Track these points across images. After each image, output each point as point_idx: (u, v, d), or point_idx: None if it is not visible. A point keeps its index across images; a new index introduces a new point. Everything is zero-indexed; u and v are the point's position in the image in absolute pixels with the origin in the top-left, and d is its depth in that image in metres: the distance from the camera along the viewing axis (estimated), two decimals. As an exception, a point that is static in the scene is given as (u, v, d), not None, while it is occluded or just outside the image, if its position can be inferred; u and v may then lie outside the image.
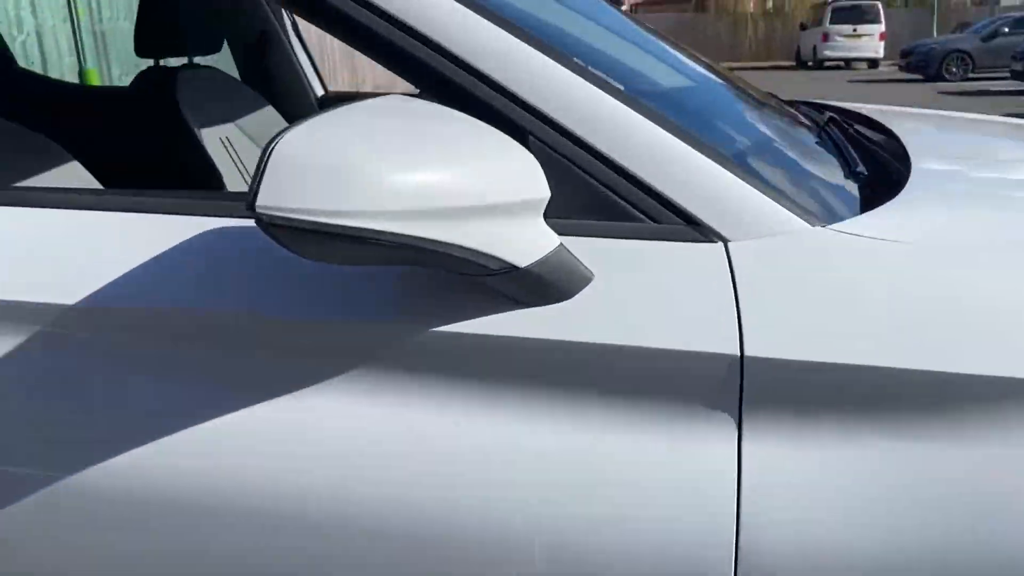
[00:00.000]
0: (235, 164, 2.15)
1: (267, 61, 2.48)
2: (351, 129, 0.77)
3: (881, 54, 20.31)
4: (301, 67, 2.52)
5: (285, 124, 2.34)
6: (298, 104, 2.52)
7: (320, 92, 2.60)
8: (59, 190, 1.11)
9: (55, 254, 0.94)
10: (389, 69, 0.93)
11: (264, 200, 0.72)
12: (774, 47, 24.00)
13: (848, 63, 20.75)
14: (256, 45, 2.46)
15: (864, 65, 20.71)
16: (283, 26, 2.48)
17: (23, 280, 0.93)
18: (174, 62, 2.15)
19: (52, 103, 2.53)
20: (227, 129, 2.16)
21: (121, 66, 8.03)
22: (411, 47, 0.89)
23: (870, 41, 20.19)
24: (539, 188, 0.84)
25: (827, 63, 20.69)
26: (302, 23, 2.59)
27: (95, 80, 7.55)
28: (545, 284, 0.84)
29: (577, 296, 0.84)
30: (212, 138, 2.08)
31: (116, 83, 8.11)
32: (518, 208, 0.82)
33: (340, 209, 0.72)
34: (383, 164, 0.74)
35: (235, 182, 2.06)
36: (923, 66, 16.26)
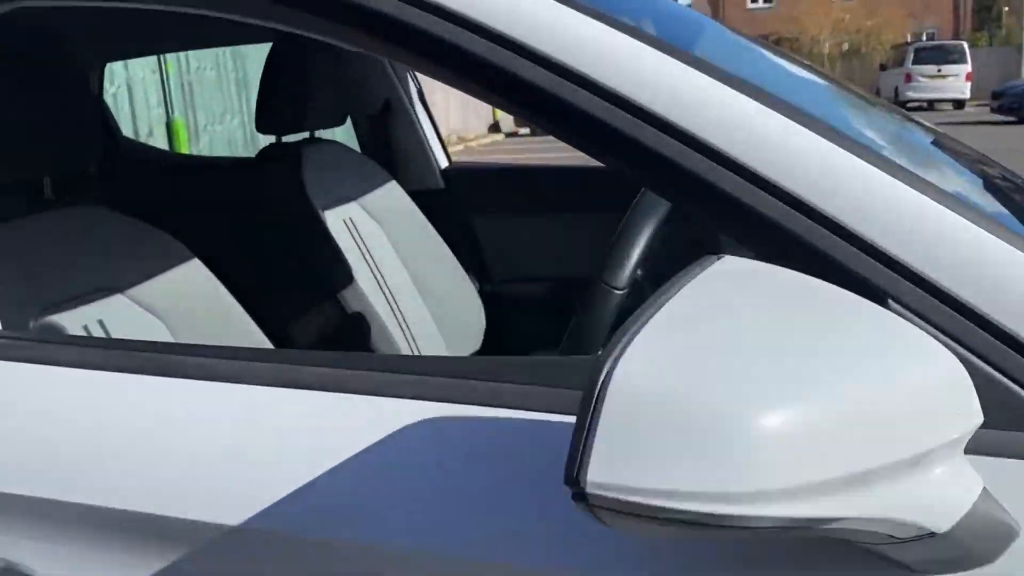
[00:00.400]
0: (360, 249, 1.90)
1: (390, 131, 2.25)
2: (702, 342, 0.49)
3: (967, 95, 19.58)
4: (425, 136, 2.28)
5: (408, 202, 2.13)
6: (422, 177, 2.28)
7: (444, 163, 2.36)
8: (226, 349, 0.85)
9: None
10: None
11: (597, 475, 0.45)
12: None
13: (931, 104, 20.06)
14: (379, 115, 2.24)
15: (949, 106, 19.99)
16: (407, 92, 2.25)
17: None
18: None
19: (168, 177, 2.35)
20: (351, 209, 1.92)
21: (206, 115, 8.05)
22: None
23: (955, 82, 19.50)
24: (970, 412, 0.55)
25: (909, 104, 20.04)
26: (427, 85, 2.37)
27: (181, 129, 7.57)
28: (966, 547, 0.55)
29: (1000, 559, 0.56)
30: (336, 220, 1.84)
31: (200, 132, 8.14)
32: (942, 450, 0.53)
33: (702, 490, 0.46)
34: (757, 408, 0.47)
35: (361, 272, 1.82)
36: (1016, 107, 15.55)
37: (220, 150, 8.30)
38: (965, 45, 19.78)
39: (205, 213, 2.36)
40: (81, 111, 1.21)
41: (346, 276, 1.74)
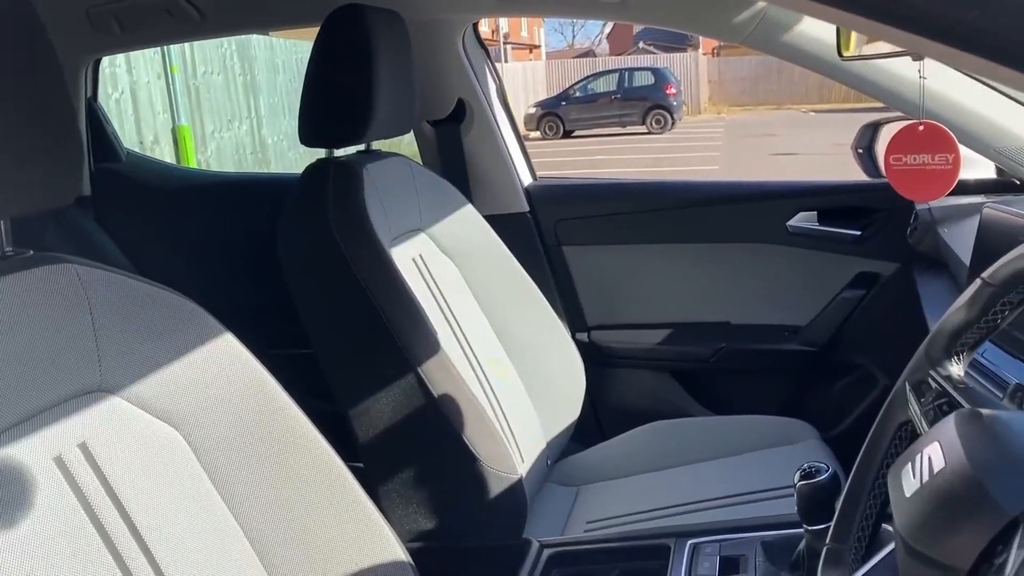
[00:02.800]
0: (435, 298, 1.47)
1: (463, 140, 1.82)
2: None
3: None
4: (506, 146, 1.85)
5: (487, 231, 1.70)
6: (502, 197, 1.85)
7: (528, 180, 1.93)
8: None
9: None
10: None
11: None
12: (866, 87, 22.95)
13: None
14: (449, 119, 1.80)
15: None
16: (486, 91, 1.81)
17: None
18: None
19: (182, 200, 1.91)
20: (420, 244, 1.49)
21: (214, 121, 7.62)
22: None
23: (974, 79, 19.07)
24: None
25: (926, 103, 19.59)
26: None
27: (188, 136, 7.14)
28: None
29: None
30: (404, 259, 1.41)
31: (208, 139, 7.69)
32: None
33: None
34: None
35: (442, 330, 1.38)
36: None
37: (228, 158, 7.87)
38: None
39: (230, 251, 1.92)
40: (57, 125, 0.76)
41: (427, 339, 1.30)
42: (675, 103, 16.98)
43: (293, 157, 9.81)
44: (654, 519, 1.47)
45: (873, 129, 1.90)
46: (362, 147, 1.49)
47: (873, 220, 1.74)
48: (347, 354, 1.36)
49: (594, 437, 1.78)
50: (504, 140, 1.85)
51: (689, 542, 1.25)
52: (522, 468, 1.46)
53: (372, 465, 1.34)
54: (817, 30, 1.53)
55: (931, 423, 0.80)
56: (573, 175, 2.26)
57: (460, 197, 1.61)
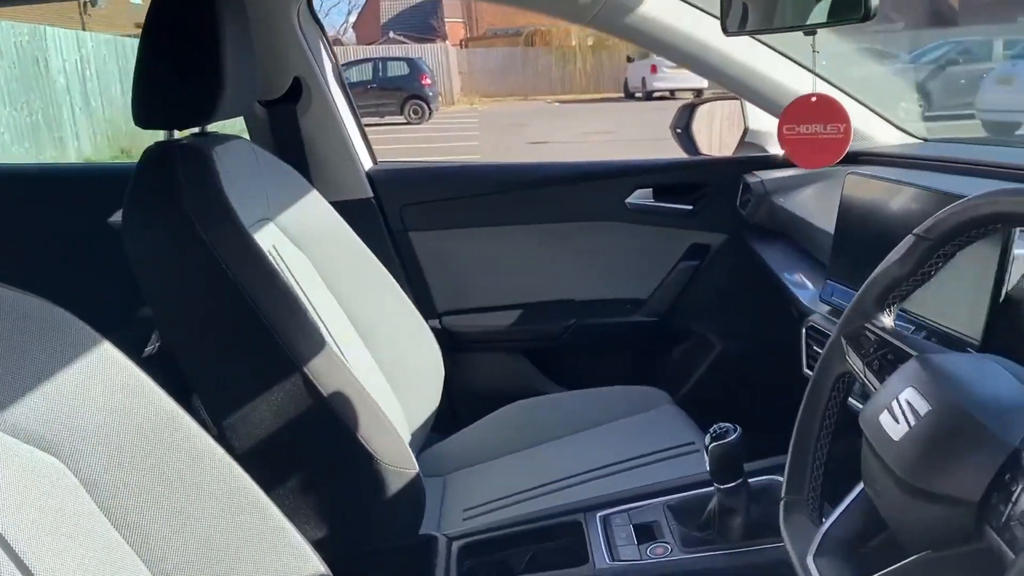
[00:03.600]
0: (300, 290, 1.36)
1: (300, 122, 1.70)
2: None
3: (705, 84, 21.10)
4: (345, 128, 1.75)
5: (335, 219, 1.58)
6: (344, 183, 1.75)
7: (369, 164, 1.84)
8: None
9: None
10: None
11: None
12: (603, 79, 24.50)
13: (673, 93, 21.47)
14: (283, 100, 1.67)
15: (690, 95, 21.51)
16: (322, 69, 1.70)
17: None
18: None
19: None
20: (271, 235, 1.38)
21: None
22: None
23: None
24: None
25: (656, 94, 21.33)
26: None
27: None
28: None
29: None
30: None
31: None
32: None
33: None
34: None
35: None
36: (751, 96, 17.01)
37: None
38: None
39: (73, 246, 1.66)
40: None
41: (311, 335, 1.20)
42: (431, 93, 17.12)
43: (18, 152, 8.73)
44: (537, 497, 1.46)
45: (690, 110, 2.02)
46: (196, 129, 1.33)
47: (703, 195, 1.85)
48: (216, 358, 1.21)
49: (451, 424, 1.74)
50: (344, 122, 1.75)
51: (598, 515, 1.26)
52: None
53: (254, 478, 1.22)
54: (660, 12, 1.60)
55: (877, 372, 0.85)
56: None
57: (305, 183, 1.50)
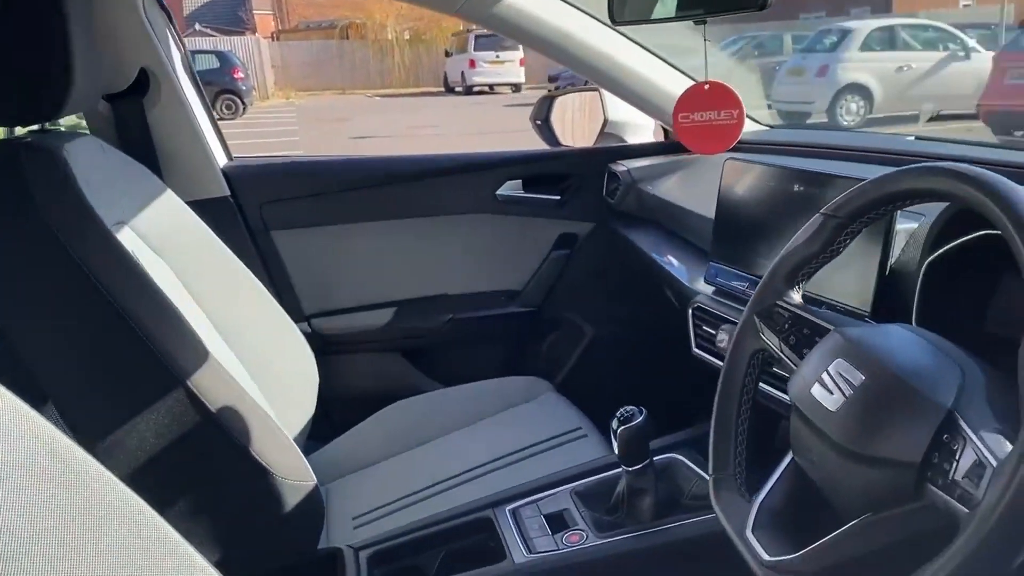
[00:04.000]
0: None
1: (148, 116, 1.56)
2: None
3: (523, 79, 21.63)
4: (197, 122, 1.63)
5: (194, 221, 1.44)
6: (199, 181, 1.63)
7: (223, 160, 1.72)
8: None
9: None
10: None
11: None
12: (422, 73, 24.42)
13: (492, 88, 21.77)
14: (128, 93, 1.53)
15: (508, 90, 21.89)
16: (170, 59, 1.57)
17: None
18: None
19: None
20: (128, 240, 1.26)
21: None
22: None
23: (512, 67, 21.37)
24: None
25: (475, 88, 21.54)
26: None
27: None
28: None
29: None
30: None
31: None
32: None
33: None
34: None
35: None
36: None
37: None
38: (508, 33, 21.72)
39: None
40: None
41: (194, 346, 1.11)
42: (244, 87, 16.39)
43: None
44: (431, 498, 1.43)
45: (549, 102, 2.04)
46: (36, 127, 1.20)
47: (569, 185, 1.88)
48: (84, 378, 1.09)
49: (328, 432, 1.67)
50: (195, 115, 1.63)
51: (507, 509, 1.25)
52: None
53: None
54: (526, 3, 1.60)
55: (793, 347, 0.89)
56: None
57: (158, 183, 1.39)
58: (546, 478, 1.30)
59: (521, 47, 21.49)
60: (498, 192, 1.85)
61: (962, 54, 10.42)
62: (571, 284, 1.91)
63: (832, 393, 0.77)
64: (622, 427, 1.14)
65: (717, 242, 1.30)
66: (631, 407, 1.16)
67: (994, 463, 0.62)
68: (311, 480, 1.20)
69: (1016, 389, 0.70)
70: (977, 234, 0.91)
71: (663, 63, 1.73)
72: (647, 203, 1.69)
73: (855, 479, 0.74)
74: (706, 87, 1.13)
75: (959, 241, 0.93)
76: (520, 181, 1.88)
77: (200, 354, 1.10)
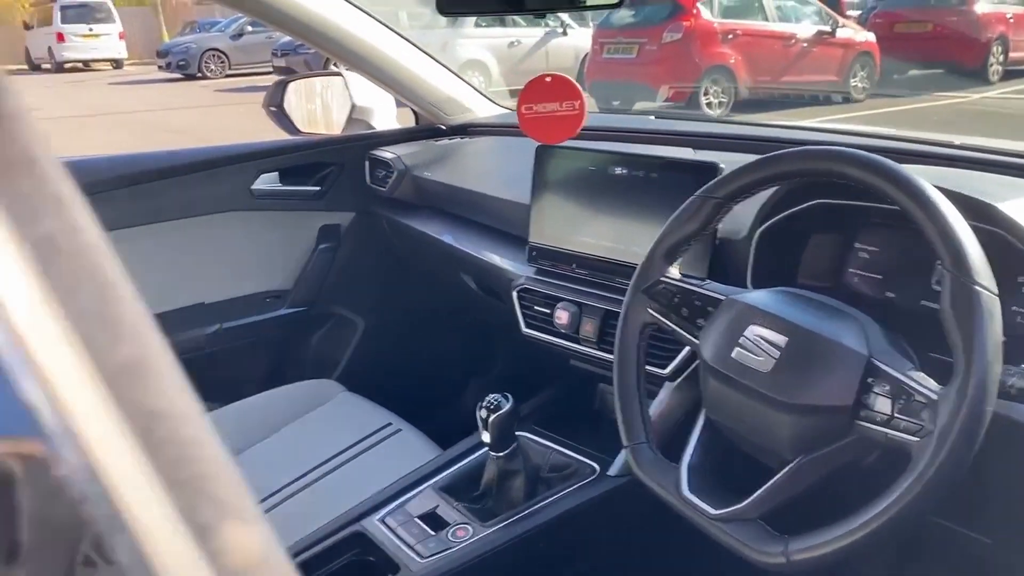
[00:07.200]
0: None
1: None
2: None
3: (125, 54, 19.66)
4: None
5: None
6: None
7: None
8: None
9: None
10: None
11: None
12: (-2, 49, 21.01)
13: (88, 64, 19.51)
14: None
15: (108, 66, 19.76)
16: None
17: None
18: None
19: None
20: None
21: None
22: None
23: (110, 40, 19.30)
24: None
25: (67, 65, 19.13)
26: None
27: None
28: None
29: None
30: None
31: None
32: None
33: None
34: None
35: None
36: (184, 65, 16.31)
37: None
38: (111, 3, 19.58)
39: None
40: None
41: None
42: None
43: None
44: (270, 512, 1.31)
45: (282, 87, 1.93)
46: None
47: (328, 175, 1.80)
48: None
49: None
50: None
51: (375, 519, 1.19)
52: None
53: None
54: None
55: (684, 317, 0.98)
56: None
57: None
58: (402, 480, 1.27)
59: (118, 18, 19.64)
60: (253, 187, 1.72)
61: (560, 31, 11.58)
62: (341, 277, 1.85)
63: (759, 356, 0.87)
64: (493, 415, 1.15)
65: (537, 223, 1.36)
66: (496, 395, 1.18)
67: (933, 396, 0.75)
68: None
69: (900, 331, 0.86)
70: (802, 206, 1.07)
71: (415, 47, 1.73)
72: (428, 189, 1.69)
73: (788, 428, 0.85)
74: (548, 79, 1.16)
75: (786, 212, 1.08)
76: (276, 173, 1.76)
77: None
